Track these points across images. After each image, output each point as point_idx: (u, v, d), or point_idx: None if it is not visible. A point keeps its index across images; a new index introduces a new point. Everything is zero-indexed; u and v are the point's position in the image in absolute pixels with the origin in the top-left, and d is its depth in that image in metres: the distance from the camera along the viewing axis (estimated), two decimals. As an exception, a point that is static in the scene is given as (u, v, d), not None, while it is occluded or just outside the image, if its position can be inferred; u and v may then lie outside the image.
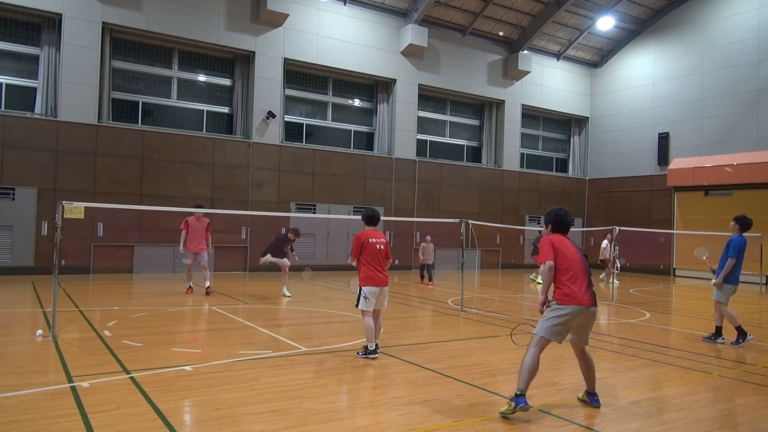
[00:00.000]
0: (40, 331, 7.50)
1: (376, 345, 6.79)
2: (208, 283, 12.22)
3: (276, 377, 5.78)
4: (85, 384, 5.28)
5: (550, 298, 5.03)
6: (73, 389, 5.13)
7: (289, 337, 7.92)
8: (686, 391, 5.74)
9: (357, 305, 6.78)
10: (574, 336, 5.09)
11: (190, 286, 12.52)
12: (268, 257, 11.89)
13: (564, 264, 4.95)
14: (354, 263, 6.96)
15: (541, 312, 5.09)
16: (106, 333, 7.75)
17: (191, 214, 12.31)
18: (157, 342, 7.37)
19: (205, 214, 12.46)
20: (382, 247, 6.89)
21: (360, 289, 6.77)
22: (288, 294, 12.36)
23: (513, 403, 4.65)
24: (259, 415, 4.65)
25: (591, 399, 5.11)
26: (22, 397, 4.89)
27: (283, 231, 12.54)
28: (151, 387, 5.26)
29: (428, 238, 16.35)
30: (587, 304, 4.87)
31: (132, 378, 5.55)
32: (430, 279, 16.08)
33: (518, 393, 4.70)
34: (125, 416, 4.48)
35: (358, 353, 6.80)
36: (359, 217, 7.23)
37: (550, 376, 6.12)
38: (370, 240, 6.82)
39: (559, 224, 5.20)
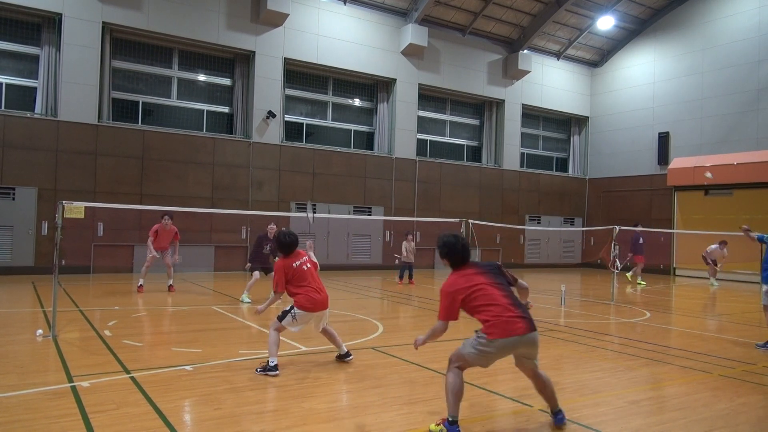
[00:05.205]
0: (40, 331, 7.50)
1: (348, 351, 6.52)
2: (170, 282, 12.60)
3: (276, 377, 5.79)
4: (85, 384, 5.28)
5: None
6: (74, 389, 5.14)
7: (289, 337, 7.91)
8: (686, 391, 5.75)
9: (280, 319, 6.09)
10: (518, 362, 4.54)
11: (140, 285, 12.45)
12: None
13: (482, 301, 4.31)
14: (277, 294, 6.25)
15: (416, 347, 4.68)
16: (107, 333, 7.75)
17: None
18: (157, 342, 7.38)
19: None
20: (309, 265, 6.31)
21: (291, 308, 6.10)
22: (248, 300, 11.40)
23: (445, 430, 4.20)
24: (259, 414, 4.65)
25: (555, 418, 4.56)
26: (23, 397, 4.90)
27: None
28: (151, 387, 5.27)
29: (410, 237, 16.16)
30: (521, 332, 4.23)
31: (132, 378, 5.56)
32: (411, 278, 15.83)
33: (451, 419, 4.21)
34: (125, 416, 4.49)
35: (256, 369, 5.92)
36: (360, 217, 7.11)
37: (550, 375, 6.10)
38: (294, 264, 6.16)
39: (455, 257, 4.51)
